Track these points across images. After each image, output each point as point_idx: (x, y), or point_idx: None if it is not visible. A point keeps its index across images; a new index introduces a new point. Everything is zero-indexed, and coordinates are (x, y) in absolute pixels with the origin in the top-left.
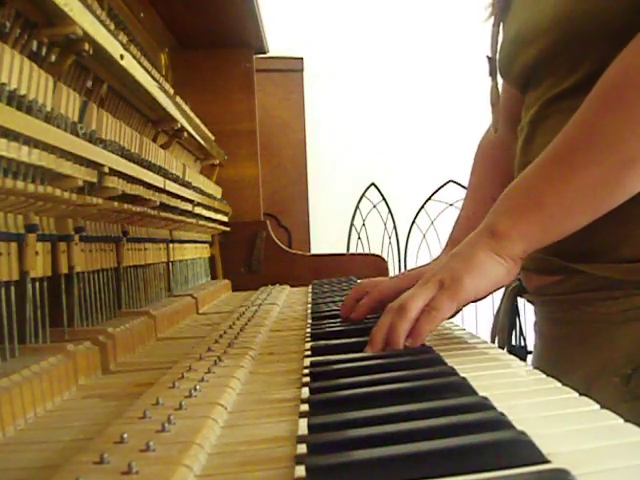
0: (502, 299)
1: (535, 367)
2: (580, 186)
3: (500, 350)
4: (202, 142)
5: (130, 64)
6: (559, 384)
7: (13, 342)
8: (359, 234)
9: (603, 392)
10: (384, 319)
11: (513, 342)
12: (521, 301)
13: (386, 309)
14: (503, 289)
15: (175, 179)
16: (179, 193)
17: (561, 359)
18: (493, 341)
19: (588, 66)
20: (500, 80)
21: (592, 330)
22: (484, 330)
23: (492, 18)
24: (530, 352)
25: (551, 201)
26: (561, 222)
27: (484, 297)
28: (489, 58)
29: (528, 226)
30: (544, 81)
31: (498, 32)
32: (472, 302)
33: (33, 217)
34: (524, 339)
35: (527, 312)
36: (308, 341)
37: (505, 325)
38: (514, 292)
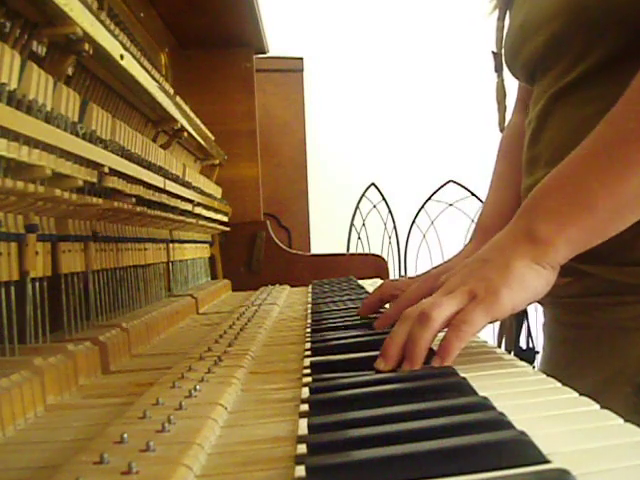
0: None
1: (544, 370)
2: (636, 184)
3: (501, 350)
4: (202, 142)
5: (130, 64)
6: (559, 384)
7: (13, 342)
8: (359, 234)
9: (614, 402)
10: (399, 329)
11: (521, 343)
12: None
13: (402, 317)
14: None
15: (175, 179)
16: (179, 193)
17: (571, 364)
18: (500, 342)
19: (596, 54)
20: (506, 76)
21: (603, 336)
22: (484, 330)
23: (496, 12)
24: (538, 353)
25: (604, 203)
26: (611, 225)
27: (519, 310)
28: (494, 54)
29: (577, 231)
30: (551, 71)
31: (503, 26)
32: None
33: (33, 217)
34: (532, 340)
35: (536, 312)
36: (308, 341)
37: (513, 326)
38: None
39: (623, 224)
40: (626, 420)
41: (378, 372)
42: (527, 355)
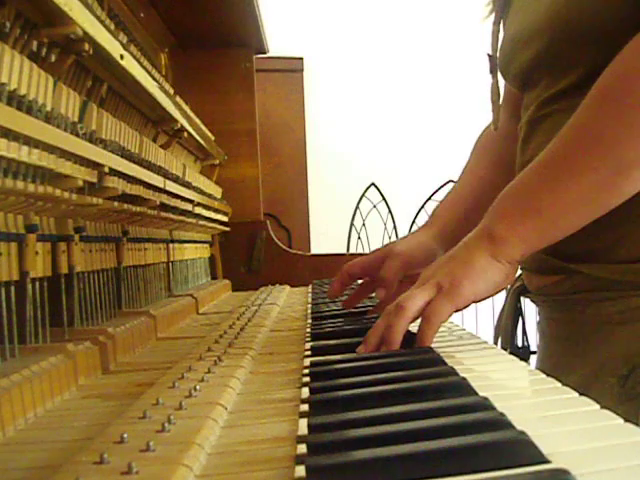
0: (505, 299)
1: (538, 367)
2: (577, 191)
3: (500, 350)
4: (202, 142)
5: (130, 64)
6: (559, 384)
7: (13, 342)
8: (359, 234)
9: (600, 393)
10: (380, 321)
11: (517, 342)
12: (526, 301)
13: (384, 312)
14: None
15: (175, 179)
16: (179, 193)
17: (561, 360)
18: (496, 341)
19: (583, 67)
20: (501, 77)
21: (590, 331)
22: (484, 330)
23: (492, 16)
24: (533, 352)
25: (548, 205)
26: (558, 225)
27: (482, 300)
28: (489, 56)
29: (526, 231)
30: (541, 81)
31: (498, 30)
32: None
33: (33, 217)
34: (527, 339)
35: (532, 312)
36: (308, 341)
37: (508, 325)
38: (517, 292)
39: (569, 226)
40: (610, 409)
41: (376, 372)
42: (522, 354)
